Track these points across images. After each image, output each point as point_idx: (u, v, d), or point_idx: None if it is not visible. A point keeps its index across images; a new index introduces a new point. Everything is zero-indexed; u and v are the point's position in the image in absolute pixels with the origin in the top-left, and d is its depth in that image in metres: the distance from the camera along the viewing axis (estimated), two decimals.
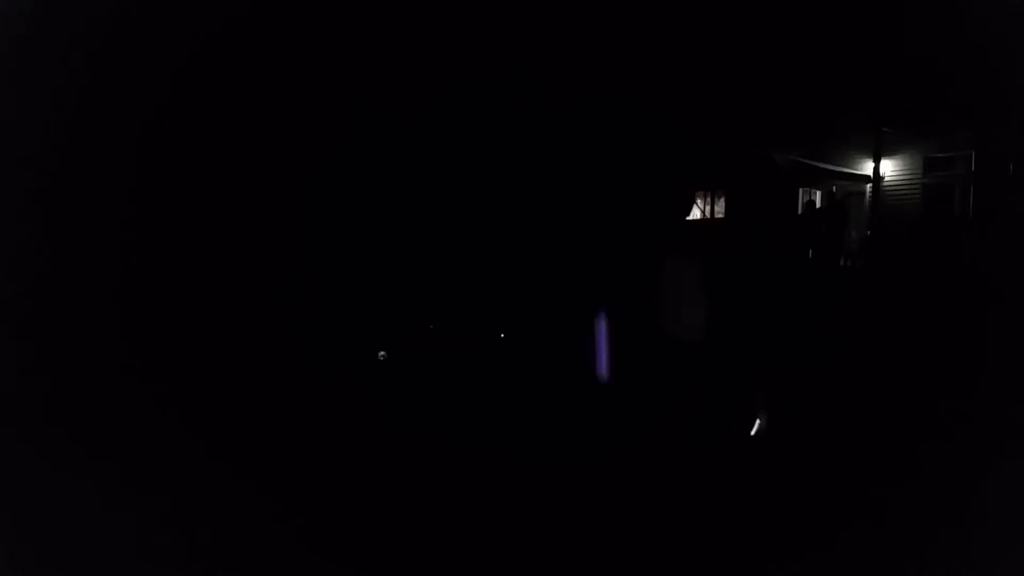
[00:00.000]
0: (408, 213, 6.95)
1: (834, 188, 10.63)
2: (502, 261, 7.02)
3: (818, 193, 10.94)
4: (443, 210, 7.12)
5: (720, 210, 10.89)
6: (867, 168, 10.04)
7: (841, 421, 4.49)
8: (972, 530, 2.95)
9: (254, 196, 5.77)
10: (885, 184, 9.81)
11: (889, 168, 9.83)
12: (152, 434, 3.94)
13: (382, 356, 5.96)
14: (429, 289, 6.71)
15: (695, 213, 10.40)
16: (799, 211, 10.42)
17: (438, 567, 2.96)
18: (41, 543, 3.07)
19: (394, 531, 3.21)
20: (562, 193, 7.60)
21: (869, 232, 9.86)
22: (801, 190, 10.76)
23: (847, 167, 10.39)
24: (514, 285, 6.86)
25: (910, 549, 2.91)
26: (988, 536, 2.89)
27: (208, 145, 5.52)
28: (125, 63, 4.85)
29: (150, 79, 4.97)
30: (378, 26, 6.53)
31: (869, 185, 10.00)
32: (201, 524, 3.21)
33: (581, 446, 4.13)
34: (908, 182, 9.64)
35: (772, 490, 3.52)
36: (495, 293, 6.81)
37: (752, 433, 3.85)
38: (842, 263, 9.57)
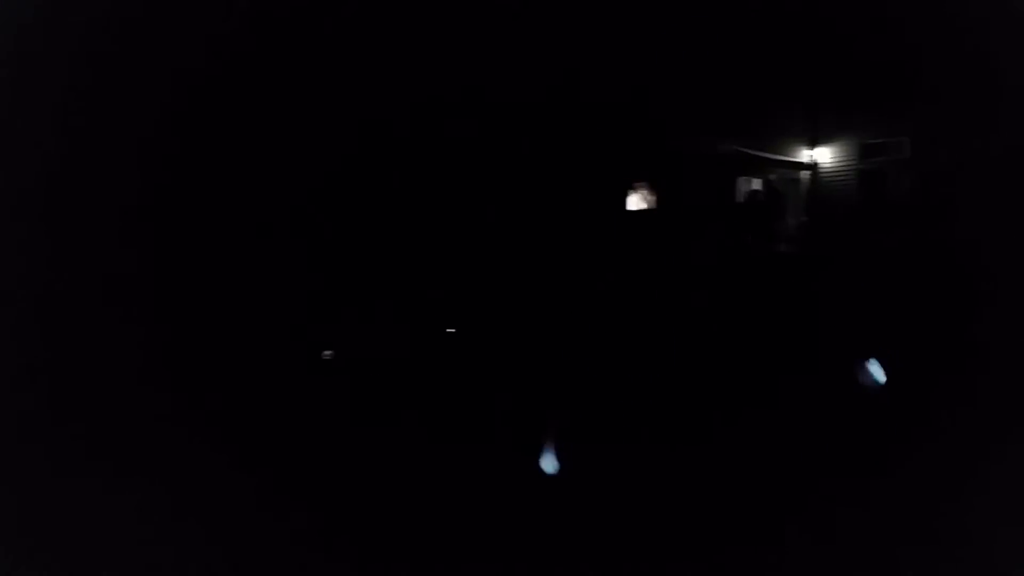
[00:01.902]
0: (350, 203, 6.52)
1: (771, 176, 10.71)
2: (449, 252, 6.62)
3: (757, 181, 11.03)
4: (387, 198, 6.68)
5: (662, 201, 10.80)
6: (804, 155, 10.13)
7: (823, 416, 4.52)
8: (971, 528, 2.91)
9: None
10: (821, 171, 9.93)
11: (826, 155, 9.94)
12: (147, 431, 4.08)
13: (328, 355, 5.80)
14: (373, 283, 6.29)
15: (639, 204, 10.30)
16: (738, 200, 10.45)
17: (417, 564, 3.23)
18: (39, 541, 3.18)
19: (370, 530, 3.53)
20: (508, 184, 7.27)
21: (805, 218, 9.99)
22: (739, 179, 10.83)
23: (785, 155, 10.46)
24: (462, 278, 6.47)
25: (909, 547, 2.85)
26: (987, 533, 2.82)
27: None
28: (123, 65, 4.87)
29: (148, 79, 4.96)
30: (362, 25, 6.24)
31: (806, 172, 10.11)
32: (192, 521, 3.43)
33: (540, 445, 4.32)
34: (844, 168, 9.76)
35: (760, 490, 3.58)
36: (443, 286, 6.42)
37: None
38: (780, 249, 9.64)
